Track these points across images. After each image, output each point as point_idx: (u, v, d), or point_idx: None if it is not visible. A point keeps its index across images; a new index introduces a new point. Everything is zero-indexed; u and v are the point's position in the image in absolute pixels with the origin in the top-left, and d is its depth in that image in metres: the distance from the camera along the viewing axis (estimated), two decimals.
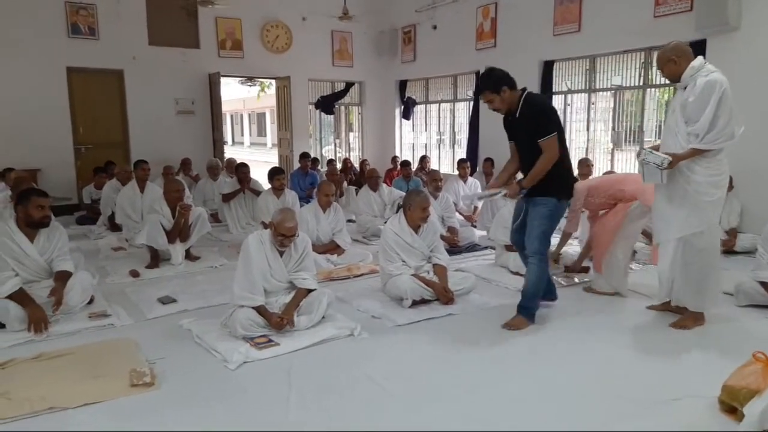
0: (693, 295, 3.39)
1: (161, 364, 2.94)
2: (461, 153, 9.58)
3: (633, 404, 2.52)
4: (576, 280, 4.51)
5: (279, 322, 3.25)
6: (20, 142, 7.72)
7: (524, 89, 3.45)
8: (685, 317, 3.46)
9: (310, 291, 3.49)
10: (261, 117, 30.80)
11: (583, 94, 7.78)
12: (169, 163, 7.78)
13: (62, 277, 3.67)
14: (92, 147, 8.47)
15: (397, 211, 4.83)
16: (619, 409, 2.48)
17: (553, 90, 7.94)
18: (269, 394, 2.66)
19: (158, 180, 6.93)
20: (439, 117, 10.51)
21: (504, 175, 3.67)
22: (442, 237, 4.96)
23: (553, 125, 3.36)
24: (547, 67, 7.93)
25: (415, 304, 3.82)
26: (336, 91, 10.90)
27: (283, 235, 3.37)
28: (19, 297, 3.44)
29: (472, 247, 5.65)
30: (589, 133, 7.81)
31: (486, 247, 5.56)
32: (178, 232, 5.01)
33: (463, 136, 9.80)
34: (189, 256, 5.19)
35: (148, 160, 6.38)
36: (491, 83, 3.38)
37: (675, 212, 3.30)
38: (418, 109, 10.87)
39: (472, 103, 9.29)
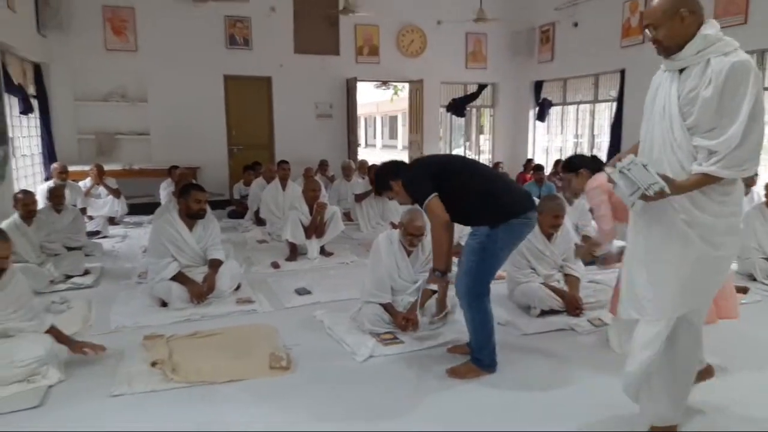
0: (670, 403, 2.19)
1: (296, 351, 3.15)
2: (601, 156, 9.01)
3: None
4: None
5: (403, 323, 3.31)
6: (184, 142, 8.71)
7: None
8: None
9: (434, 292, 3.51)
10: (393, 120, 31.56)
11: None
12: (308, 164, 8.30)
13: (214, 265, 4.10)
14: (243, 148, 9.30)
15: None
16: None
17: None
18: (392, 387, 2.74)
19: (299, 180, 7.42)
20: (577, 119, 9.99)
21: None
22: (577, 246, 4.69)
23: (425, 184, 2.75)
24: None
25: (544, 313, 3.68)
26: (468, 93, 10.84)
27: (412, 235, 3.43)
28: (180, 278, 3.92)
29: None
30: None
31: None
32: (315, 228, 5.35)
33: (603, 139, 9.23)
34: (323, 251, 5.50)
35: (289, 161, 6.87)
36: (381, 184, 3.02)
37: (670, 272, 2.05)
38: (554, 111, 10.43)
39: (615, 104, 8.72)
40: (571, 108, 10.08)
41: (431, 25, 10.03)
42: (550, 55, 9.91)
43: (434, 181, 2.74)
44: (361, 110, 10.53)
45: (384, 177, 2.97)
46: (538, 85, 10.46)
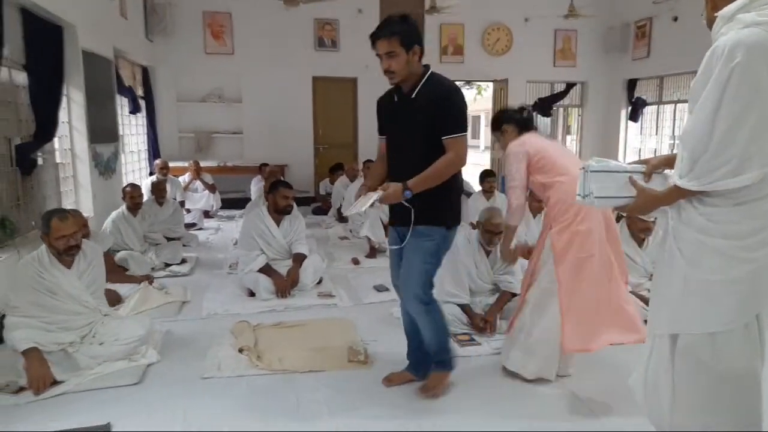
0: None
1: (373, 346, 3.23)
2: None
3: None
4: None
5: (481, 325, 3.29)
6: (274, 141, 9.10)
7: (428, 66, 2.53)
8: None
9: (514, 295, 3.46)
10: (475, 120, 31.16)
11: None
12: None
13: (299, 259, 4.28)
14: (328, 147, 9.57)
15: (617, 221, 4.47)
16: None
17: None
18: (468, 389, 2.74)
19: None
20: (674, 119, 9.39)
21: (370, 182, 2.74)
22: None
23: (466, 122, 2.47)
24: None
25: None
26: (555, 92, 10.50)
27: (490, 233, 3.40)
28: (267, 270, 4.12)
29: None
30: None
31: None
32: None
33: None
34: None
35: (371, 160, 7.01)
36: (403, 31, 2.42)
37: (668, 283, 1.73)
38: (649, 110, 9.86)
39: None
40: (668, 107, 9.49)
41: (518, 23, 9.81)
42: (646, 51, 9.38)
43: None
44: None
45: (416, 34, 2.50)
46: (632, 84, 9.93)
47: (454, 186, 2.50)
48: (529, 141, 2.76)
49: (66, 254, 2.89)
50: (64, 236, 2.84)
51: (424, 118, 2.40)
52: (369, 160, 6.96)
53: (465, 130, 2.42)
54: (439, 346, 2.64)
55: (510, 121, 2.93)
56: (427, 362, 2.70)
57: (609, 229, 2.65)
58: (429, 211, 2.43)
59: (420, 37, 2.45)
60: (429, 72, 2.48)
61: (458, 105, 2.43)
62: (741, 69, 1.46)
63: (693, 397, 1.67)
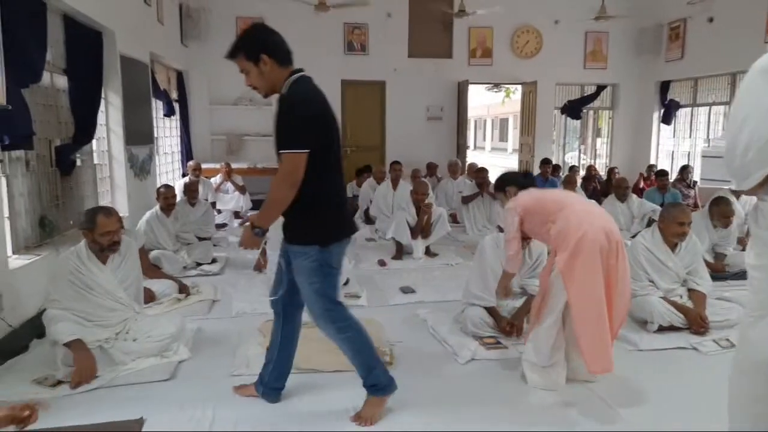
0: None
1: (399, 347, 3.24)
2: None
3: None
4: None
5: (507, 328, 3.28)
6: None
7: (298, 71, 2.34)
8: None
9: None
10: (504, 122, 30.95)
11: None
12: (417, 166, 8.42)
13: None
14: (356, 149, 9.65)
15: (647, 225, 4.40)
16: None
17: None
18: (494, 391, 2.73)
19: (407, 180, 7.56)
20: (709, 122, 9.16)
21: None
22: (707, 263, 4.29)
23: (309, 135, 2.21)
24: None
25: (662, 329, 3.45)
26: (585, 94, 10.36)
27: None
28: None
29: (742, 275, 4.79)
30: None
31: None
32: (421, 229, 5.44)
33: None
34: (428, 252, 5.57)
35: (399, 162, 7.06)
36: (245, 45, 2.30)
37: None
38: (682, 113, 9.65)
39: None
40: (702, 110, 9.27)
41: (548, 25, 9.73)
42: (680, 52, 9.18)
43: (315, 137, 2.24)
44: (472, 113, 10.47)
45: (261, 43, 2.33)
46: (665, 86, 9.74)
47: (323, 201, 2.30)
48: (520, 199, 3.00)
49: (108, 250, 2.98)
50: (109, 232, 2.94)
51: (275, 131, 2.28)
52: (396, 162, 7.02)
53: (300, 146, 2.19)
54: (365, 369, 2.44)
55: (512, 183, 3.29)
56: (282, 372, 2.60)
57: (609, 274, 2.61)
58: (297, 230, 2.32)
59: (266, 44, 2.28)
60: (290, 80, 2.31)
61: (298, 118, 2.22)
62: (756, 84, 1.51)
63: None
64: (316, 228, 2.30)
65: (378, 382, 2.45)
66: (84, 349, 2.78)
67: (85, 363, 2.75)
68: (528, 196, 3.01)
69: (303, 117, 2.22)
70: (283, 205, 2.24)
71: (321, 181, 2.26)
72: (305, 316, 3.35)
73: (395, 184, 6.76)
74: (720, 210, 4.82)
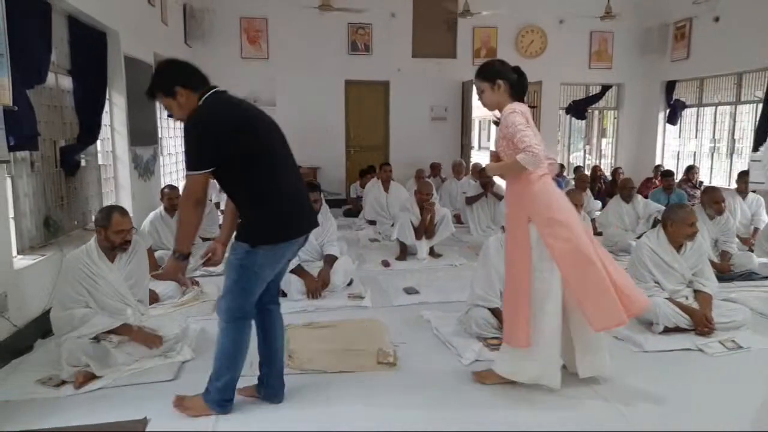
0: None
1: (403, 348, 3.24)
2: (741, 164, 8.16)
3: None
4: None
5: None
6: (306, 143, 9.14)
7: (209, 89, 2.35)
8: None
9: None
10: None
11: None
12: (421, 166, 8.43)
13: (330, 260, 4.33)
14: (359, 149, 9.64)
15: (653, 226, 4.38)
16: None
17: None
18: (497, 393, 2.71)
19: (411, 181, 7.57)
20: (715, 122, 9.12)
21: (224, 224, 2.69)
22: (713, 263, 4.26)
23: (208, 154, 2.24)
24: None
25: (667, 330, 3.43)
26: (590, 94, 10.33)
27: None
28: (298, 271, 4.18)
29: (748, 276, 4.79)
30: None
31: (766, 277, 4.68)
32: (425, 229, 5.43)
33: (745, 144, 8.34)
34: (432, 252, 5.56)
35: (403, 163, 7.08)
36: (158, 83, 2.37)
37: None
38: (688, 113, 9.61)
39: (761, 105, 7.83)
40: (708, 110, 9.22)
41: (553, 25, 9.70)
42: (686, 52, 9.14)
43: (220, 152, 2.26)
44: (476, 113, 10.42)
45: (172, 77, 2.36)
46: (670, 86, 9.70)
47: (256, 204, 2.34)
48: (518, 108, 2.53)
49: (119, 248, 3.03)
50: (123, 230, 3.00)
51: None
52: (386, 163, 7.19)
53: (198, 167, 2.25)
54: (215, 373, 2.46)
55: (505, 78, 2.59)
56: (272, 384, 2.60)
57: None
58: (240, 227, 2.41)
59: (178, 77, 2.33)
60: (198, 104, 2.32)
61: (193, 139, 2.27)
62: None
63: None
64: (247, 228, 2.37)
65: (213, 392, 2.48)
66: (134, 329, 2.97)
67: (147, 335, 2.97)
68: (523, 117, 2.51)
69: (199, 137, 2.26)
70: (192, 226, 2.33)
71: (253, 184, 2.32)
72: (306, 317, 3.34)
73: (386, 185, 6.81)
74: (710, 197, 4.95)
